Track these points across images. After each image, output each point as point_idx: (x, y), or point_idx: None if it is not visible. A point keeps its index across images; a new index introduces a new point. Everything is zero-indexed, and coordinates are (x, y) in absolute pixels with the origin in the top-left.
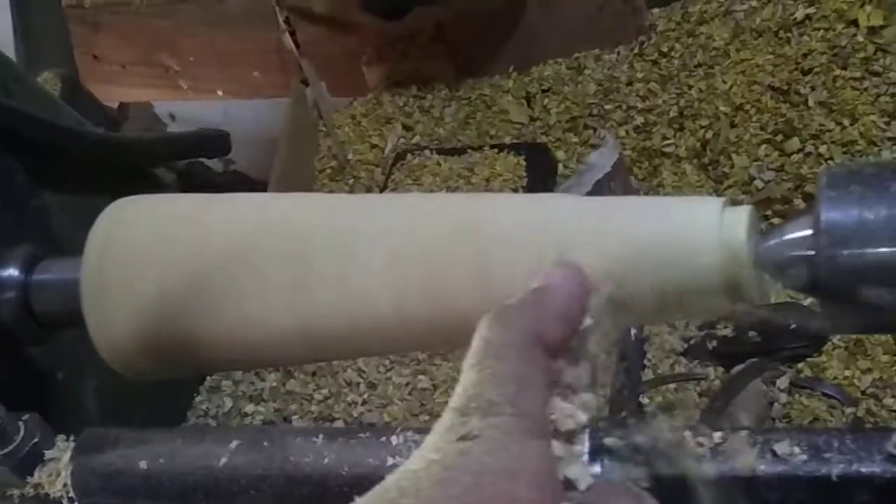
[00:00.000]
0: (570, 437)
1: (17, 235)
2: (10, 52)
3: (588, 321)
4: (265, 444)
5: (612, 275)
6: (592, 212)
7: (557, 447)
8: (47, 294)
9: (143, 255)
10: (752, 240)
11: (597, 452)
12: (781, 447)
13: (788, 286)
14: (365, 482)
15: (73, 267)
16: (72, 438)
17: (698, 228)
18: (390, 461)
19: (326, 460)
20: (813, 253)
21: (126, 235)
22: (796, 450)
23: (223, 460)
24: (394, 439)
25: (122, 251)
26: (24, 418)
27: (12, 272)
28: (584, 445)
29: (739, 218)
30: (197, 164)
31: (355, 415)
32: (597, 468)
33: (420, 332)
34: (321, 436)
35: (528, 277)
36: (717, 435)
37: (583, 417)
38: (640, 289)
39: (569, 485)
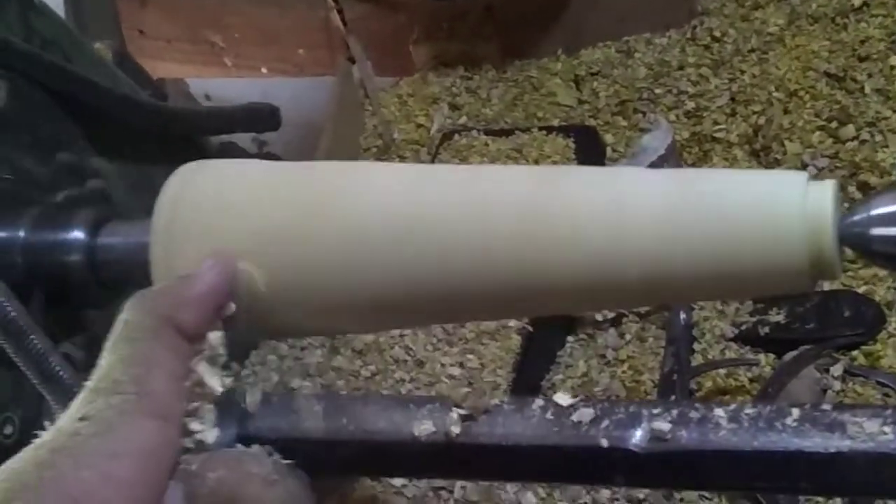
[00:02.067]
0: (199, 414)
1: (79, 200)
2: None
3: (232, 308)
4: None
5: (687, 249)
6: (661, 184)
7: (186, 424)
8: (113, 257)
9: (214, 217)
10: (836, 215)
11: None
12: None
13: (873, 263)
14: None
15: (139, 230)
16: None
17: (783, 202)
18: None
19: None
20: None
21: (196, 199)
22: (885, 428)
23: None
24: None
25: (193, 215)
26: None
27: (78, 234)
28: (209, 421)
29: (825, 192)
30: (230, 144)
31: (403, 392)
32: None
33: (485, 304)
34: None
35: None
36: (796, 412)
37: (212, 392)
38: (718, 264)
39: (197, 448)
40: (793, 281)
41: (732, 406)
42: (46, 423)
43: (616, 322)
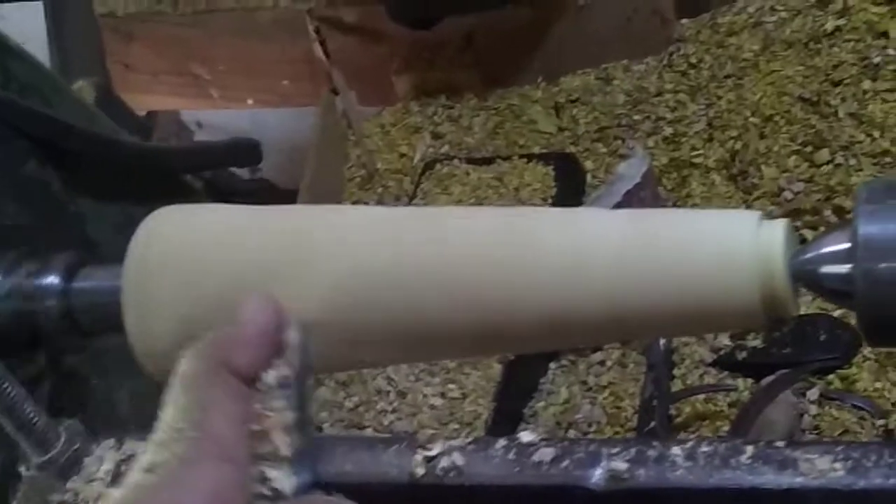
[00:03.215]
0: (270, 457)
1: (56, 244)
2: (45, 60)
3: (293, 341)
4: None
5: (643, 287)
6: (619, 227)
7: (258, 468)
8: (89, 302)
9: (184, 263)
10: (788, 253)
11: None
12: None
13: (825, 299)
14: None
15: (114, 274)
16: (111, 443)
17: (734, 242)
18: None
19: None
20: (850, 266)
21: (167, 244)
22: (836, 465)
23: None
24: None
25: (163, 259)
26: (64, 424)
27: (53, 280)
28: (285, 460)
29: (776, 232)
30: (224, 171)
31: (385, 423)
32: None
33: (454, 346)
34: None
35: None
36: (750, 449)
37: (284, 438)
38: (672, 304)
39: (272, 501)
40: (746, 319)
41: (689, 443)
42: (22, 469)
43: (597, 348)
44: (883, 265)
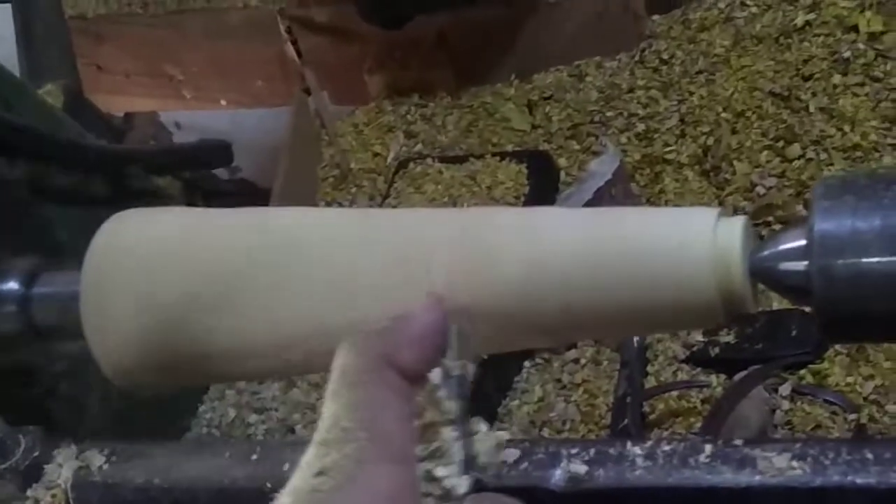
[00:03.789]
0: (439, 455)
1: (18, 248)
2: (14, 64)
3: (456, 336)
4: (262, 456)
5: (602, 286)
6: (580, 223)
7: (427, 467)
8: (48, 307)
9: (142, 268)
10: (746, 250)
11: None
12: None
13: (783, 296)
14: None
15: (74, 279)
16: (71, 451)
17: (692, 239)
18: None
19: None
20: (806, 263)
21: (125, 248)
22: (794, 463)
23: (221, 474)
24: None
25: (120, 264)
26: (24, 432)
27: (13, 285)
28: (454, 458)
29: (734, 228)
30: (204, 172)
31: None
32: (467, 479)
33: None
34: None
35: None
36: (709, 448)
37: (451, 435)
38: (632, 302)
39: (442, 500)
40: (706, 316)
41: (649, 443)
42: None
43: (571, 346)
44: (839, 262)
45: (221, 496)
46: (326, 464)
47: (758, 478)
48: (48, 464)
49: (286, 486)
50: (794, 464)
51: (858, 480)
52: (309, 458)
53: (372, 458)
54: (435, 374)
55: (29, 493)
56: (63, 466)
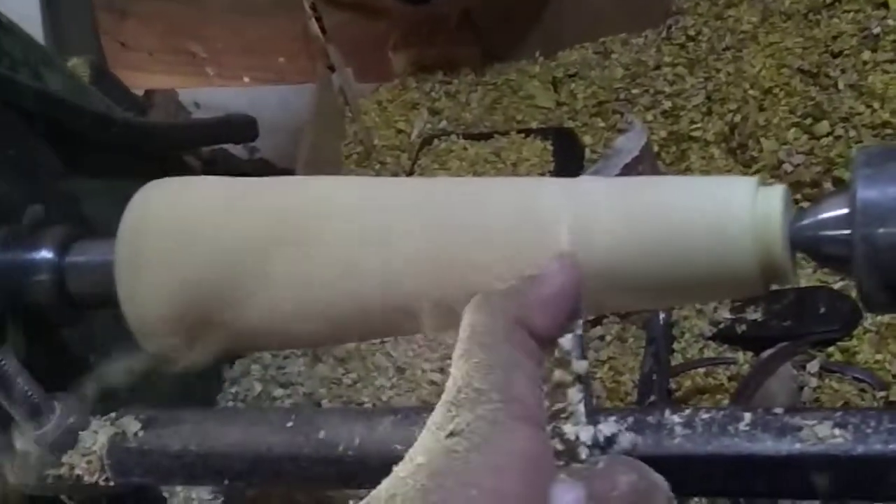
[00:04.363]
0: (567, 416)
1: (50, 218)
2: (39, 38)
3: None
4: (298, 423)
5: (642, 254)
6: (620, 192)
7: (556, 427)
8: (82, 275)
9: (177, 235)
10: (786, 219)
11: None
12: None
13: (824, 266)
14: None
15: (108, 248)
16: (106, 418)
17: (732, 208)
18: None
19: (358, 440)
20: (849, 232)
21: (159, 216)
22: (836, 431)
23: (258, 440)
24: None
25: (156, 232)
26: (58, 398)
27: (46, 254)
28: (581, 418)
29: (774, 197)
30: (221, 151)
31: (384, 399)
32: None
33: (456, 315)
34: (353, 416)
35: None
36: (749, 416)
37: (578, 396)
38: (671, 270)
39: (571, 459)
40: (744, 286)
41: (687, 411)
42: (17, 443)
43: (597, 323)
44: (881, 230)
45: (258, 463)
46: (459, 425)
47: (798, 445)
48: (83, 430)
49: (414, 447)
50: (836, 431)
51: None
52: (438, 419)
53: (506, 419)
54: (567, 340)
55: (64, 459)
56: (98, 433)
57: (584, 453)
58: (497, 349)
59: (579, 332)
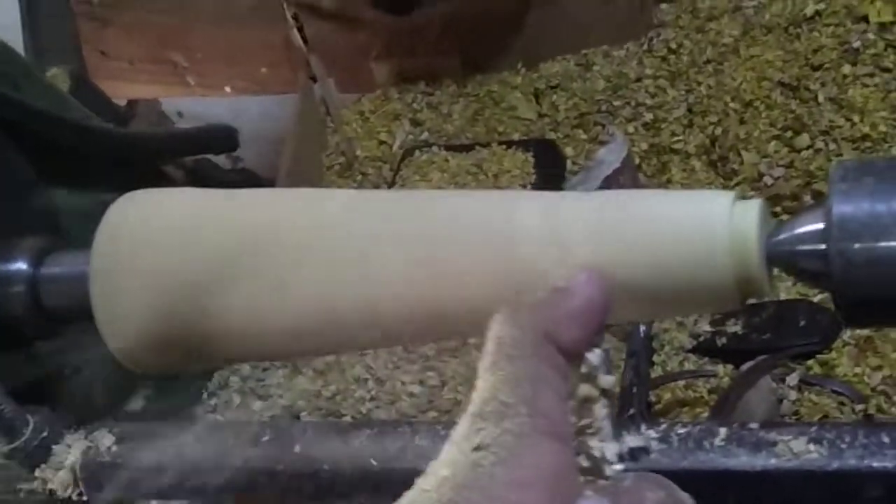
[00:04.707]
0: (593, 431)
1: (25, 230)
2: (19, 47)
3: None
4: (273, 437)
5: (620, 268)
6: (597, 207)
7: (581, 442)
8: (56, 287)
9: (153, 247)
10: (763, 233)
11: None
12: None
13: (801, 281)
14: (370, 476)
15: (82, 260)
16: (80, 433)
17: (708, 222)
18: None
19: (334, 455)
20: (824, 246)
21: (135, 228)
22: (810, 446)
23: (233, 454)
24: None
25: (131, 243)
26: (32, 412)
27: (21, 266)
28: (607, 434)
29: (750, 211)
30: (205, 161)
31: (363, 411)
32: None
33: (434, 327)
34: (329, 430)
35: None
36: (724, 431)
37: (604, 411)
38: (648, 284)
39: (596, 475)
40: (721, 300)
41: (663, 426)
42: None
43: None
44: (857, 245)
45: (233, 477)
46: (485, 438)
47: (774, 461)
48: (57, 444)
49: (438, 459)
50: (811, 447)
51: (875, 464)
52: (464, 431)
53: (532, 434)
54: (594, 356)
55: (37, 473)
56: (72, 447)
57: (609, 469)
58: (524, 363)
59: (606, 346)
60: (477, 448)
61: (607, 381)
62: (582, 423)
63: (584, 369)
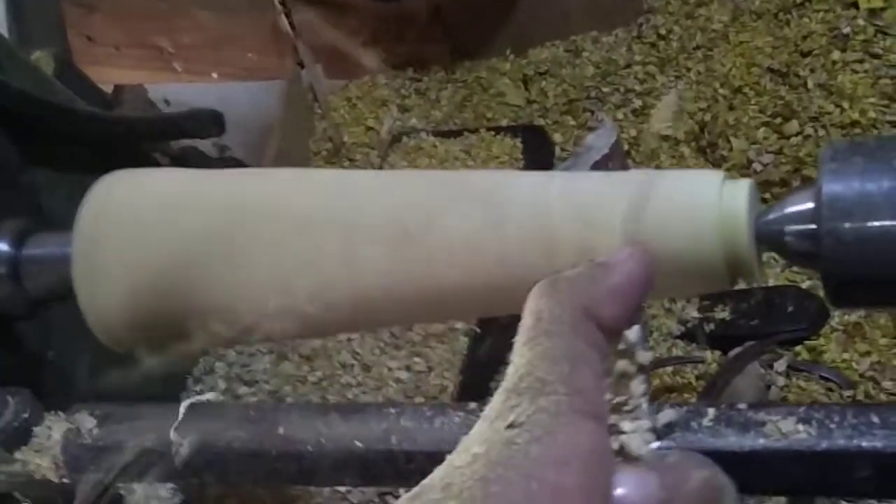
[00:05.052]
0: (629, 408)
1: (7, 211)
2: (3, 31)
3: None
4: (258, 419)
5: (605, 249)
6: (586, 186)
7: (617, 419)
8: (38, 269)
9: (135, 227)
10: (752, 214)
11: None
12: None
13: (790, 261)
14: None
15: (65, 241)
16: (61, 415)
17: (697, 201)
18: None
19: (318, 437)
20: (814, 226)
21: (117, 208)
22: (799, 426)
23: (217, 435)
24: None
25: (113, 224)
26: (12, 393)
27: (2, 247)
28: (642, 412)
29: (740, 191)
30: (191, 148)
31: (350, 396)
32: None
33: (421, 309)
34: (314, 411)
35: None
36: (712, 411)
37: (640, 388)
38: None
39: (631, 453)
40: (710, 280)
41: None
42: None
43: None
44: (847, 224)
45: (217, 459)
46: (520, 416)
47: (762, 441)
48: (37, 426)
49: (469, 437)
50: (800, 427)
51: (864, 444)
52: (497, 407)
53: (569, 412)
54: (633, 333)
55: (17, 455)
56: (53, 429)
57: (645, 447)
58: (563, 339)
59: (644, 322)
60: (511, 426)
61: (644, 357)
62: (617, 399)
63: (621, 346)
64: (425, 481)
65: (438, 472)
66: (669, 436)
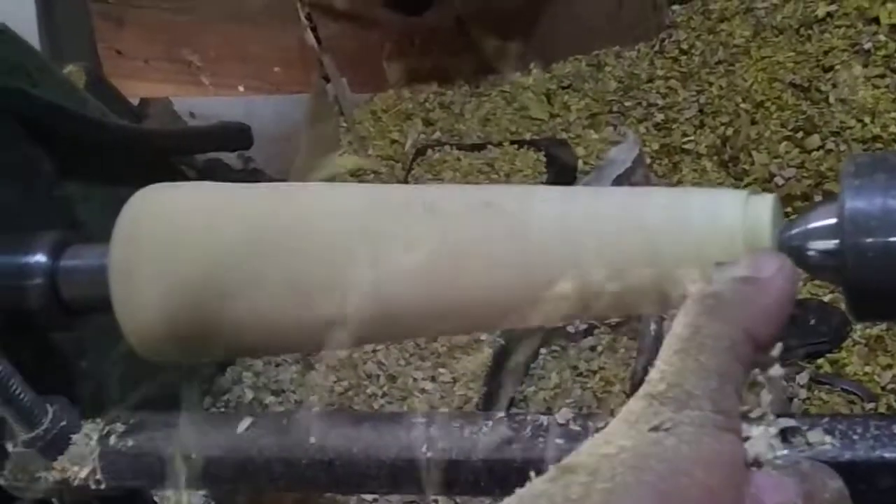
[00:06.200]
0: (757, 416)
1: (43, 223)
2: (36, 45)
3: None
4: (290, 428)
5: (632, 262)
6: (612, 203)
7: (746, 427)
8: (75, 280)
9: (171, 240)
10: (775, 229)
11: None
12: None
13: (813, 276)
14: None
15: (101, 253)
16: (98, 422)
17: (722, 218)
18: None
19: (348, 445)
20: (837, 242)
21: (153, 221)
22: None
23: (249, 444)
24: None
25: (150, 236)
26: (51, 402)
27: (40, 258)
28: (771, 422)
29: (764, 206)
30: (216, 161)
31: (375, 407)
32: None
33: (447, 321)
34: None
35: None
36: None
37: (768, 398)
38: (661, 279)
39: (759, 461)
40: None
41: None
42: (9, 445)
43: (588, 333)
44: (870, 240)
45: (248, 466)
46: (664, 423)
47: (787, 451)
48: (75, 433)
49: (606, 433)
50: (826, 438)
51: (887, 455)
52: (639, 410)
53: (710, 426)
54: (777, 349)
55: (56, 462)
56: (90, 436)
57: (772, 455)
58: (719, 356)
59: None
60: (654, 429)
61: (778, 371)
62: (744, 408)
63: (764, 362)
64: (555, 468)
65: (574, 459)
66: (788, 440)
